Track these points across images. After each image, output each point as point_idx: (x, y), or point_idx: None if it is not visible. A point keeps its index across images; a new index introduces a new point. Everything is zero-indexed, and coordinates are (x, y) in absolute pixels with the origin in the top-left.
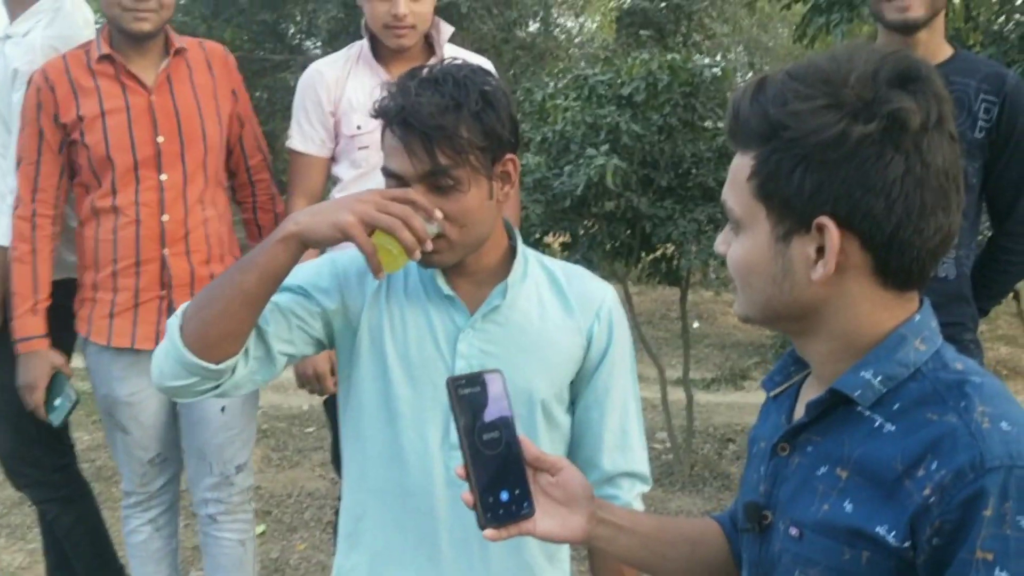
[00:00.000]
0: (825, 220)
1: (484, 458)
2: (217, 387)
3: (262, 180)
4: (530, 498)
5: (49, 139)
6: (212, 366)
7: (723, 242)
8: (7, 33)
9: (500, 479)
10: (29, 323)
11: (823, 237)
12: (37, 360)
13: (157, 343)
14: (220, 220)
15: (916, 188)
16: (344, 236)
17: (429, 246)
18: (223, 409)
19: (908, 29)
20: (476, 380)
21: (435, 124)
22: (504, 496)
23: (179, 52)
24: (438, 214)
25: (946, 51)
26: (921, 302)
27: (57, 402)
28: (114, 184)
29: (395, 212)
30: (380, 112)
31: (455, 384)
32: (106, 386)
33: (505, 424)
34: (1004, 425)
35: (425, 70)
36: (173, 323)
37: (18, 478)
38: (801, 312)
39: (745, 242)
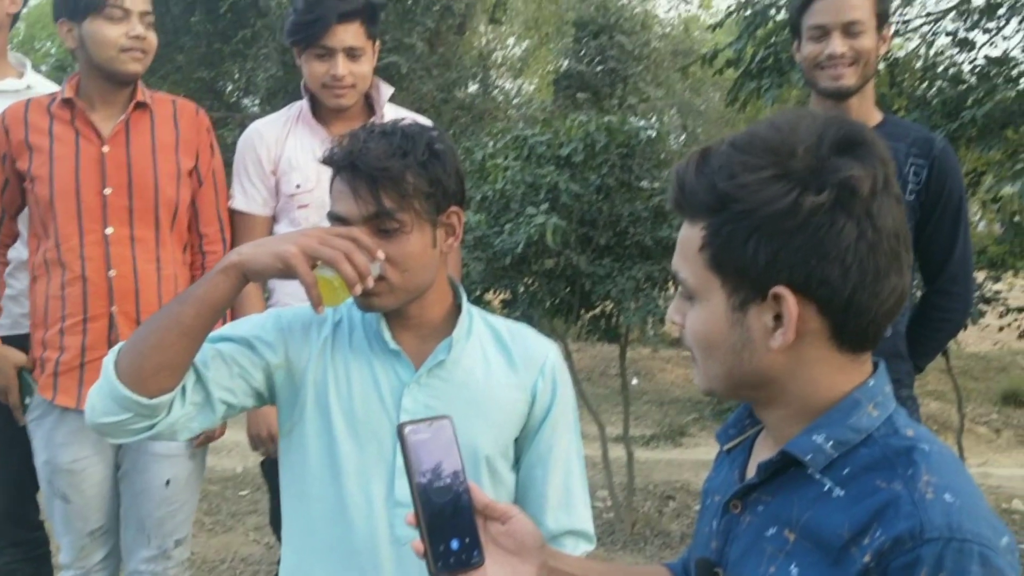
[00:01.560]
0: (782, 290)
1: (434, 506)
2: (152, 427)
3: (213, 253)
4: (480, 547)
5: None
6: (145, 400)
7: (676, 311)
8: None
9: (450, 527)
10: None
11: (780, 305)
12: None
13: None
14: (178, 281)
15: (870, 253)
16: (285, 267)
17: (370, 282)
18: (168, 482)
19: (840, 96)
20: (427, 427)
21: (381, 167)
22: (455, 544)
23: (140, 105)
24: (380, 254)
25: (876, 116)
26: (875, 366)
27: (27, 401)
28: (57, 234)
29: (337, 246)
30: (329, 159)
31: (406, 429)
32: (47, 451)
33: (455, 472)
34: (947, 496)
35: (376, 125)
36: (108, 358)
37: (2, 538)
38: (761, 380)
39: (701, 313)
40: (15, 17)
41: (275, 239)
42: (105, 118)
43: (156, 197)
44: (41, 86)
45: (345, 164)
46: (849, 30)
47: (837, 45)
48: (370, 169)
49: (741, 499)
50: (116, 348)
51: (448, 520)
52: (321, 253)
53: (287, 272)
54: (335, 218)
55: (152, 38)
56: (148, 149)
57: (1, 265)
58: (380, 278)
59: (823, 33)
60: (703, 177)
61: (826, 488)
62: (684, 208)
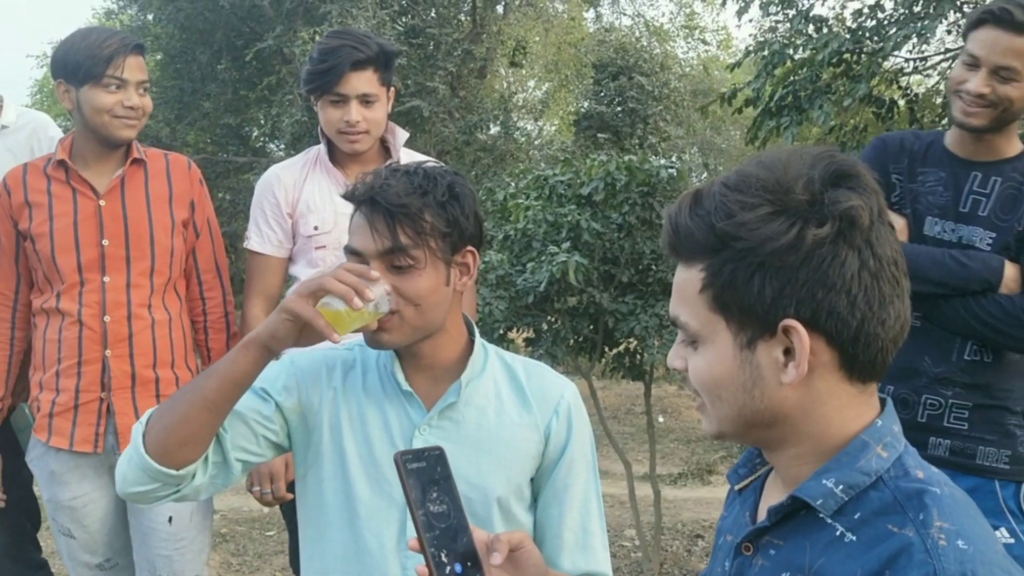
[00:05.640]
0: (792, 322)
1: (436, 531)
2: (177, 491)
3: (213, 298)
4: (482, 571)
5: (5, 244)
6: (173, 472)
7: (678, 356)
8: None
9: (452, 552)
10: None
11: (790, 339)
12: None
13: (95, 446)
14: (172, 326)
15: (874, 281)
16: (290, 315)
17: (370, 295)
18: (170, 519)
19: (967, 130)
20: (422, 455)
21: (400, 203)
22: (458, 568)
23: (136, 161)
24: (383, 282)
25: (1016, 148)
26: (883, 404)
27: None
28: (61, 286)
29: (334, 276)
30: (350, 194)
31: (403, 458)
32: (49, 490)
33: (451, 498)
34: (960, 543)
35: (400, 165)
36: (137, 429)
37: None
38: (772, 418)
39: (707, 355)
40: None
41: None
42: (99, 174)
43: (152, 247)
44: (16, 120)
45: (365, 199)
46: (999, 73)
47: (980, 84)
48: (389, 204)
49: (752, 541)
50: (144, 418)
51: (450, 545)
52: (313, 286)
53: (296, 318)
54: (350, 252)
55: (147, 103)
56: (143, 202)
57: (21, 332)
58: (391, 312)
59: (974, 63)
60: (698, 219)
61: (838, 533)
62: (679, 251)
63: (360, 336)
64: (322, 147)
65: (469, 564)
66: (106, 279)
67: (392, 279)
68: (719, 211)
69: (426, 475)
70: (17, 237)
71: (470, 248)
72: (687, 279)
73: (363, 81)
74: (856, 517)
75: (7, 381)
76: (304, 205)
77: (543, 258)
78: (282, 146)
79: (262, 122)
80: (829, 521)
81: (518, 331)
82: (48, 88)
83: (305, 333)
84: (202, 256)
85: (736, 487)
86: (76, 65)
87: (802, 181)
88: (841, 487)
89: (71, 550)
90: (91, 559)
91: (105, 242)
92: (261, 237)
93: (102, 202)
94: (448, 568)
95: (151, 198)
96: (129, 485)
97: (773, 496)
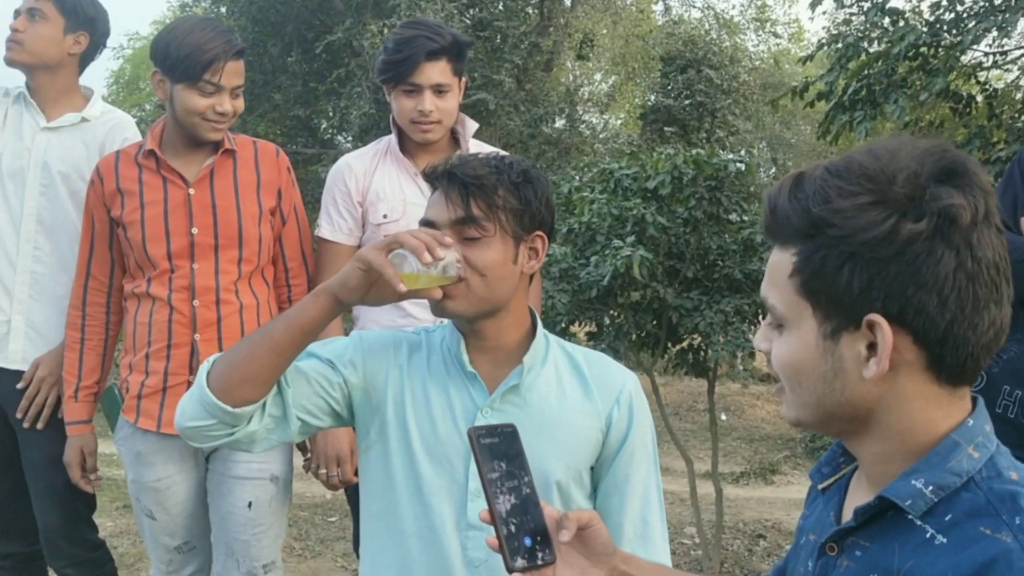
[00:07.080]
0: (876, 318)
1: (507, 504)
2: (231, 435)
3: (298, 285)
4: (552, 545)
5: (99, 230)
6: (228, 408)
7: (764, 339)
8: (49, 126)
9: (523, 525)
10: (70, 408)
11: (874, 334)
12: (73, 443)
13: None
14: (260, 311)
15: (969, 283)
16: (364, 265)
17: (440, 253)
18: (250, 504)
19: None
20: (495, 431)
21: (475, 175)
22: (527, 541)
23: (226, 151)
24: (448, 240)
25: None
26: (974, 402)
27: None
28: (152, 272)
29: (409, 232)
30: (430, 171)
31: (476, 433)
32: (134, 470)
33: (523, 473)
34: None
35: (479, 152)
36: (203, 367)
37: (60, 559)
38: (854, 412)
39: (791, 340)
40: (84, 57)
41: None
42: (189, 163)
43: (240, 235)
44: (98, 116)
45: (443, 174)
46: None
47: None
48: (465, 177)
49: (837, 542)
50: (212, 358)
51: (520, 518)
52: (389, 240)
53: (368, 266)
54: (425, 222)
55: (239, 106)
56: (231, 191)
57: (115, 316)
58: (459, 280)
59: None
60: (796, 202)
61: (928, 535)
62: (776, 233)
63: (425, 321)
64: (393, 137)
65: (539, 539)
66: (195, 266)
67: (462, 250)
68: (817, 196)
69: (499, 450)
70: (110, 224)
71: (540, 233)
72: (779, 261)
73: (437, 71)
74: (947, 519)
75: (103, 365)
76: (374, 193)
77: (607, 252)
78: (350, 138)
79: (331, 114)
80: (919, 523)
81: (580, 325)
82: (123, 80)
83: (374, 288)
84: (288, 243)
85: (819, 486)
86: (175, 61)
87: (905, 173)
88: (931, 488)
89: (152, 531)
90: (170, 541)
91: (194, 230)
92: (332, 225)
93: (191, 191)
94: (517, 542)
95: (239, 187)
96: (186, 419)
97: (859, 496)
